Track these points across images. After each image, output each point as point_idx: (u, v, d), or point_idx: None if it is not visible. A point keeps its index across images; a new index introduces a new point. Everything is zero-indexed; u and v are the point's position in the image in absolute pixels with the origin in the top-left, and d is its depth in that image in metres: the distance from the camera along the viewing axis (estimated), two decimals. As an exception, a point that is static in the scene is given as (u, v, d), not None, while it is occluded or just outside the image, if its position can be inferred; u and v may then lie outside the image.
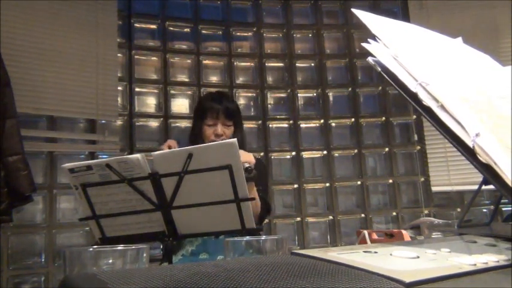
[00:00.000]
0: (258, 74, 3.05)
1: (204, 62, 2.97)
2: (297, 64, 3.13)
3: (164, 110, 2.82)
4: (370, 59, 0.66)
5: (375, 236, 1.44)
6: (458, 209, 2.95)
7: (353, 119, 3.08)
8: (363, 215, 2.96)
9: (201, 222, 1.22)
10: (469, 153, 0.53)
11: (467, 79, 0.70)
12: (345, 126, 3.09)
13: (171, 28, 2.94)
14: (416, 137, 3.03)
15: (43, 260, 2.39)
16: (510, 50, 2.93)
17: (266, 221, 2.57)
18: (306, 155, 3.01)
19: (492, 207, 2.88)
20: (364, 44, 0.67)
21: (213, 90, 2.94)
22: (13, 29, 2.35)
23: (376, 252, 0.52)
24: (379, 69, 0.64)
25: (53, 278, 2.37)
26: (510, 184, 0.48)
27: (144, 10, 2.89)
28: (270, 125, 3.00)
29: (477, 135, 0.51)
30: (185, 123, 2.82)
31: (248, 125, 2.99)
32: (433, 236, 1.24)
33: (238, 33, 3.09)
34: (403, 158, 3.09)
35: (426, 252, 0.52)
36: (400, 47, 0.66)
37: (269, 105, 3.04)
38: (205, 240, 1.63)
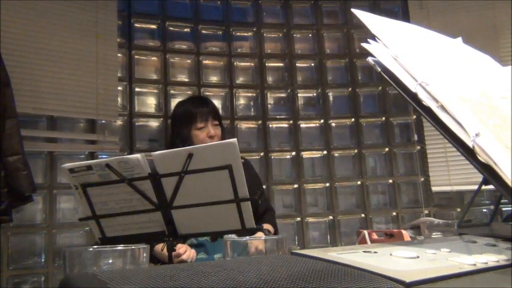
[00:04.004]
0: (258, 74, 3.05)
1: (204, 62, 2.97)
2: (297, 64, 3.13)
3: (164, 110, 2.82)
4: (370, 59, 0.66)
5: (375, 236, 1.44)
6: (458, 209, 2.95)
7: (353, 119, 3.08)
8: (363, 215, 2.96)
9: (201, 222, 1.22)
10: (469, 153, 0.53)
11: (467, 79, 0.70)
12: (345, 126, 3.09)
13: (171, 28, 2.94)
14: (416, 137, 3.03)
15: (43, 260, 2.39)
16: (510, 50, 2.93)
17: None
18: (306, 155, 3.01)
19: (492, 207, 2.88)
20: (364, 44, 0.67)
21: (212, 90, 2.97)
22: (13, 29, 2.35)
23: (376, 252, 0.52)
24: (379, 69, 0.64)
25: (53, 278, 2.37)
26: (510, 184, 0.48)
27: (144, 10, 2.89)
28: (270, 125, 3.00)
29: (477, 135, 0.51)
30: (185, 123, 2.82)
31: (248, 125, 2.99)
32: (433, 236, 1.24)
33: (238, 33, 3.09)
34: (403, 158, 3.09)
35: (426, 252, 0.52)
36: (400, 47, 0.66)
37: (269, 105, 3.04)
38: (202, 241, 1.64)
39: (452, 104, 0.56)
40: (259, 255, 0.80)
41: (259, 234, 1.62)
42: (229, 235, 1.30)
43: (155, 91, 2.85)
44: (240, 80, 3.04)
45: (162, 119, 2.81)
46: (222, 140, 1.86)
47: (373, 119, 3.12)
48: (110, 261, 0.69)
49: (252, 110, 3.04)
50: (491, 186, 0.55)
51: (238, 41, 3.09)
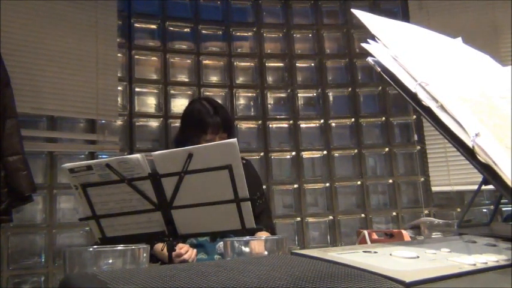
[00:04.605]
0: (258, 74, 3.05)
1: (204, 62, 2.97)
2: (297, 64, 3.13)
3: (164, 110, 2.82)
4: (370, 59, 0.66)
5: (375, 236, 1.44)
6: (458, 209, 2.95)
7: (353, 119, 3.08)
8: (363, 215, 2.96)
9: (201, 222, 1.22)
10: (469, 153, 0.53)
11: (467, 79, 0.70)
12: (345, 126, 3.09)
13: (171, 28, 2.94)
14: (416, 137, 3.03)
15: (43, 260, 2.39)
16: (510, 50, 2.93)
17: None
18: (306, 155, 3.01)
19: (492, 207, 2.88)
20: (363, 44, 0.67)
21: (212, 90, 2.97)
22: (13, 29, 2.35)
23: (376, 252, 0.52)
24: (379, 69, 0.64)
25: (53, 278, 2.37)
26: (510, 184, 0.48)
27: (144, 10, 2.89)
28: (270, 125, 3.00)
29: (477, 135, 0.51)
30: (185, 123, 2.82)
31: (248, 125, 2.99)
32: (433, 236, 1.24)
33: (238, 33, 3.09)
34: (403, 158, 3.09)
35: (426, 252, 0.52)
36: (400, 47, 0.66)
37: (269, 105, 3.04)
38: (201, 242, 1.64)
39: (452, 104, 0.56)
40: (259, 256, 0.80)
41: (260, 234, 1.61)
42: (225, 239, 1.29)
43: (155, 91, 2.85)
44: (240, 80, 3.04)
45: (162, 119, 2.81)
46: None
47: (373, 119, 3.12)
48: (110, 261, 0.69)
49: (252, 110, 3.04)
50: (491, 186, 0.55)
51: (238, 41, 3.09)
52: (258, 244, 0.85)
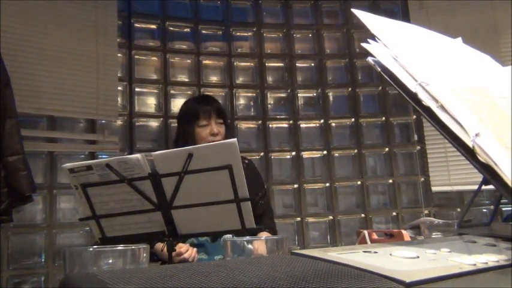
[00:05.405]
0: (258, 74, 3.05)
1: (204, 62, 2.97)
2: (297, 64, 3.13)
3: (164, 110, 2.82)
4: (370, 59, 0.66)
5: (375, 236, 1.44)
6: (458, 209, 2.95)
7: (353, 119, 3.08)
8: (362, 215, 2.96)
9: (201, 222, 1.22)
10: (469, 153, 0.53)
11: (467, 79, 0.70)
12: (345, 126, 3.09)
13: (171, 28, 2.94)
14: (416, 137, 3.03)
15: (43, 260, 2.39)
16: (510, 50, 2.93)
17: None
18: (306, 155, 3.01)
19: (492, 207, 2.88)
20: (364, 44, 0.67)
21: (212, 90, 2.97)
22: (13, 29, 2.35)
23: (376, 252, 0.52)
24: (379, 69, 0.64)
25: (53, 278, 2.37)
26: (510, 184, 0.48)
27: (144, 10, 2.89)
28: (270, 125, 3.00)
29: (477, 135, 0.51)
30: (185, 123, 2.82)
31: (248, 125, 2.99)
32: (433, 236, 1.24)
33: (238, 33, 3.09)
34: (403, 158, 3.09)
35: (426, 252, 0.52)
36: (400, 47, 0.66)
37: (269, 105, 3.04)
38: (202, 242, 1.64)
39: (452, 104, 0.56)
40: (260, 256, 0.80)
41: (261, 234, 1.61)
42: (227, 235, 1.30)
43: (155, 91, 2.85)
44: (240, 80, 3.04)
45: (162, 119, 2.81)
46: (225, 138, 1.85)
47: (373, 119, 3.12)
48: (110, 261, 0.69)
49: (252, 110, 3.03)
50: (491, 186, 0.55)
51: (238, 41, 3.09)
52: (260, 244, 0.85)
